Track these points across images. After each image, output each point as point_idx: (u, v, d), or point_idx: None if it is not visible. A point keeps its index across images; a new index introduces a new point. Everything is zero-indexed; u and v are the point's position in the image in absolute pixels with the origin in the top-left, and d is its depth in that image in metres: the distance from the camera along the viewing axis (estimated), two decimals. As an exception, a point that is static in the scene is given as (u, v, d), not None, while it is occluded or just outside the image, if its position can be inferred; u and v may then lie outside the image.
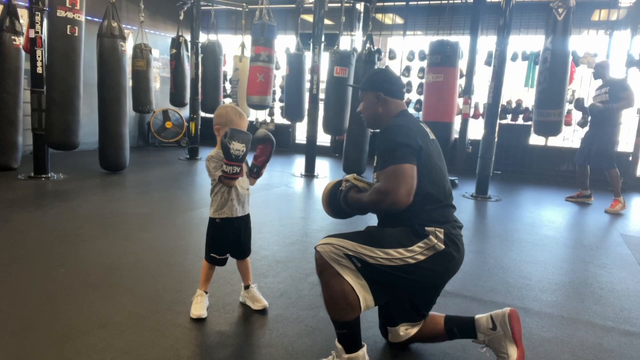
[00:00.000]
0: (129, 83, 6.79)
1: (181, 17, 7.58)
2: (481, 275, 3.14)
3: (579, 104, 6.20)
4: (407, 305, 2.02)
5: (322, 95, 6.77)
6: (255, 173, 2.37)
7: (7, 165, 5.65)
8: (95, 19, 6.64)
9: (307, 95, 6.97)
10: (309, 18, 7.55)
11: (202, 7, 8.00)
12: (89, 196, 4.86)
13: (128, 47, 6.21)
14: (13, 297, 2.44)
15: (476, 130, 7.04)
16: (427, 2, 7.85)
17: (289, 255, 3.36)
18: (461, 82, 6.95)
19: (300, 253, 3.41)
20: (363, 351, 1.87)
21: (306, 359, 2.01)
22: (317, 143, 7.04)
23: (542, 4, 7.13)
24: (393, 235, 1.83)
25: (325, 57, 6.65)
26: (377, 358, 2.07)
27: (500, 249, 3.79)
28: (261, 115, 8.91)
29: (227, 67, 8.73)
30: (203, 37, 7.94)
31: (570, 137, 7.67)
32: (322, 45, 6.56)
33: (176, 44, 7.81)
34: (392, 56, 8.06)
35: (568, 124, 6.67)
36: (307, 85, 6.92)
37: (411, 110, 6.69)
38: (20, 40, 5.61)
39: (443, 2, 7.14)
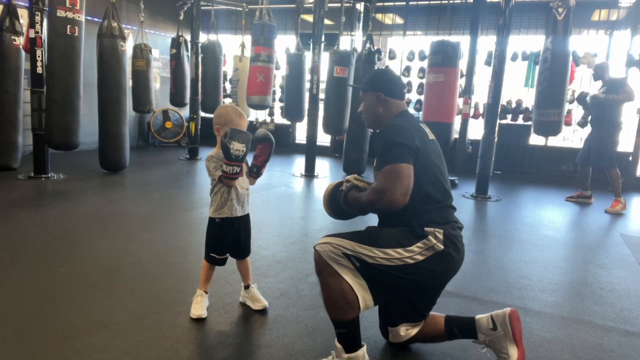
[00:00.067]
0: (129, 83, 6.79)
1: (181, 17, 7.58)
2: (481, 275, 3.14)
3: (581, 97, 6.21)
4: (408, 306, 2.02)
5: (322, 95, 6.77)
6: (255, 173, 2.37)
7: (7, 165, 5.65)
8: (95, 19, 6.64)
9: (307, 95, 6.97)
10: (309, 18, 7.55)
11: (202, 7, 8.00)
12: (89, 196, 4.86)
13: (128, 47, 6.21)
14: (13, 297, 2.44)
15: (476, 130, 7.04)
16: (427, 2, 7.85)
17: (289, 255, 3.36)
18: (461, 82, 6.95)
19: (300, 253, 3.41)
20: (363, 351, 1.87)
21: (306, 359, 2.01)
22: (317, 143, 7.04)
23: (542, 3, 7.13)
24: (392, 235, 1.83)
25: (325, 57, 6.65)
26: (377, 358, 2.07)
27: (500, 249, 3.79)
28: (261, 115, 8.92)
29: (227, 67, 8.73)
30: (203, 37, 7.94)
31: (570, 137, 7.67)
32: (322, 45, 6.56)
33: (176, 44, 7.81)
34: (392, 56, 8.06)
35: (568, 124, 6.68)
36: (307, 85, 6.92)
37: (411, 110, 6.68)
38: (20, 40, 5.61)
39: (443, 2, 7.14)
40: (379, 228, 1.95)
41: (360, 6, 8.50)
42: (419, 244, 1.80)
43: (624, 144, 6.81)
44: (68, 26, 4.99)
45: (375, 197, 1.80)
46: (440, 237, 1.81)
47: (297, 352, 2.05)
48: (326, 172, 7.19)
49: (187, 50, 7.87)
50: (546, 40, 5.30)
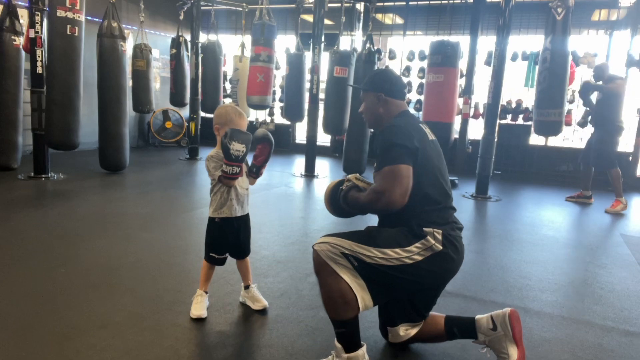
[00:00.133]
0: (129, 83, 6.79)
1: (181, 17, 7.58)
2: (481, 275, 3.14)
3: (584, 88, 6.21)
4: (407, 306, 2.02)
5: (322, 95, 6.77)
6: (254, 173, 2.37)
7: (7, 165, 5.66)
8: (95, 19, 6.64)
9: (307, 95, 6.97)
10: (309, 18, 7.55)
11: (202, 7, 8.00)
12: (89, 196, 4.86)
13: (128, 47, 6.21)
14: (13, 297, 2.44)
15: (476, 130, 7.04)
16: (427, 2, 7.85)
17: (289, 255, 3.36)
18: (461, 82, 6.95)
19: (300, 253, 3.41)
20: (363, 350, 1.87)
21: (306, 359, 2.01)
22: (317, 143, 7.04)
23: (542, 4, 7.12)
24: (390, 235, 1.83)
25: (325, 57, 6.65)
26: (377, 358, 2.07)
27: (500, 249, 3.79)
28: (261, 115, 8.92)
29: (227, 67, 8.73)
30: (203, 37, 7.94)
31: (570, 137, 7.67)
32: (322, 45, 6.56)
33: (176, 44, 7.81)
34: (392, 56, 8.06)
35: (568, 124, 6.67)
36: (307, 85, 6.92)
37: (411, 110, 6.66)
38: (20, 40, 5.61)
39: (443, 2, 7.14)
40: (378, 228, 1.95)
41: (360, 6, 8.50)
42: (417, 244, 1.80)
43: (624, 144, 6.81)
44: (68, 26, 4.99)
45: (374, 198, 1.80)
46: (439, 237, 1.81)
47: (297, 352, 2.06)
48: (326, 172, 7.19)
49: (187, 50, 7.87)
50: (545, 40, 5.30)
